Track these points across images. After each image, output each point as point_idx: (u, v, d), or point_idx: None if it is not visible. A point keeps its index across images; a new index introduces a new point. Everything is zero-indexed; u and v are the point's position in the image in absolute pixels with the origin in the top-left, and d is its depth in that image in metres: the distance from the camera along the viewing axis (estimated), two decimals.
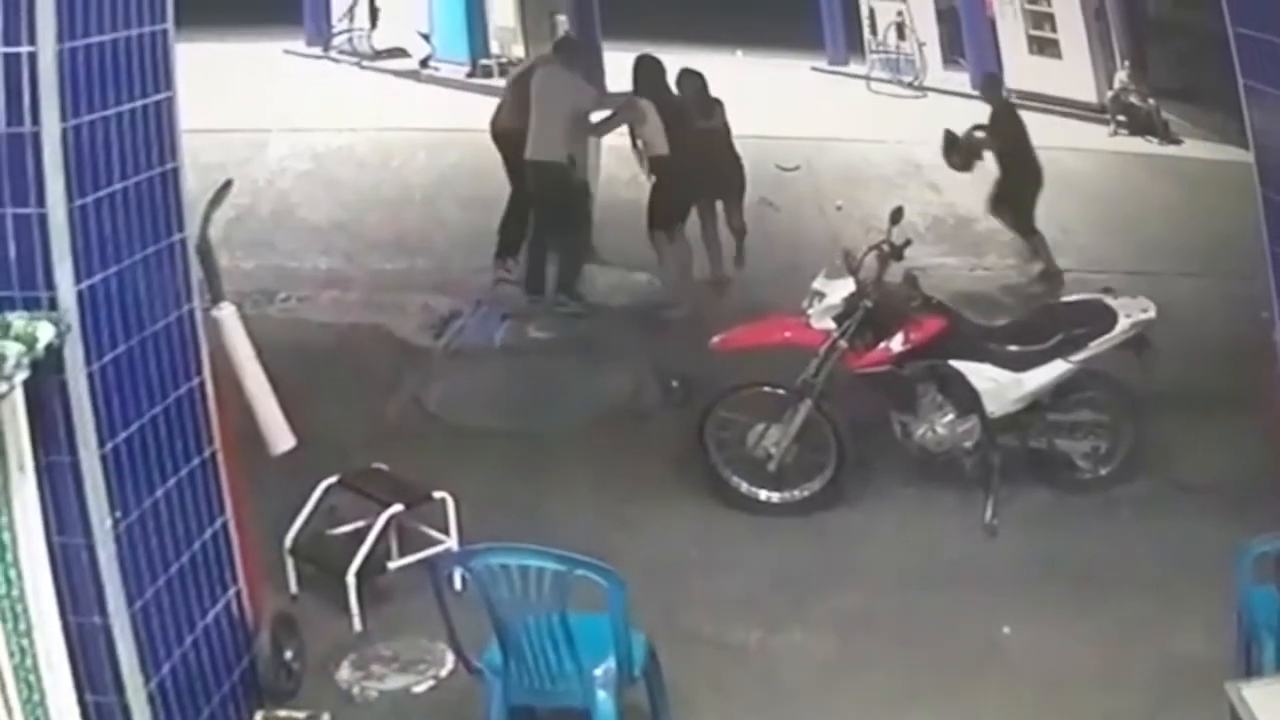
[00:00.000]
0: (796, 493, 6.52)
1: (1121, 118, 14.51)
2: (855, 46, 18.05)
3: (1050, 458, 6.60)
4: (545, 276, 9.29)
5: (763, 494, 6.54)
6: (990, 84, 10.87)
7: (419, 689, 5.10)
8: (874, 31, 17.61)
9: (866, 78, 17.41)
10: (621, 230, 9.79)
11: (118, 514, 3.92)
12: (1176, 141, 14.20)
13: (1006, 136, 9.76)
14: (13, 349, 3.50)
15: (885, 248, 6.72)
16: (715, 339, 6.67)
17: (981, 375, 6.48)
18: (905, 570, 5.90)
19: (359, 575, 5.43)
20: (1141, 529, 6.19)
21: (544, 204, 9.11)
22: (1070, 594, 5.64)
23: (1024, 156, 9.81)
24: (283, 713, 4.72)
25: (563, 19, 16.07)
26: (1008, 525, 6.26)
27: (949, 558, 6.03)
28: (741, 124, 12.32)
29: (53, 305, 3.69)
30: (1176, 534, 6.03)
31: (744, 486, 6.55)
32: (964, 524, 6.29)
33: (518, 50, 16.57)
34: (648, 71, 9.29)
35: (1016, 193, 9.79)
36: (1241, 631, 4.69)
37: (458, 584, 4.92)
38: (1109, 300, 6.67)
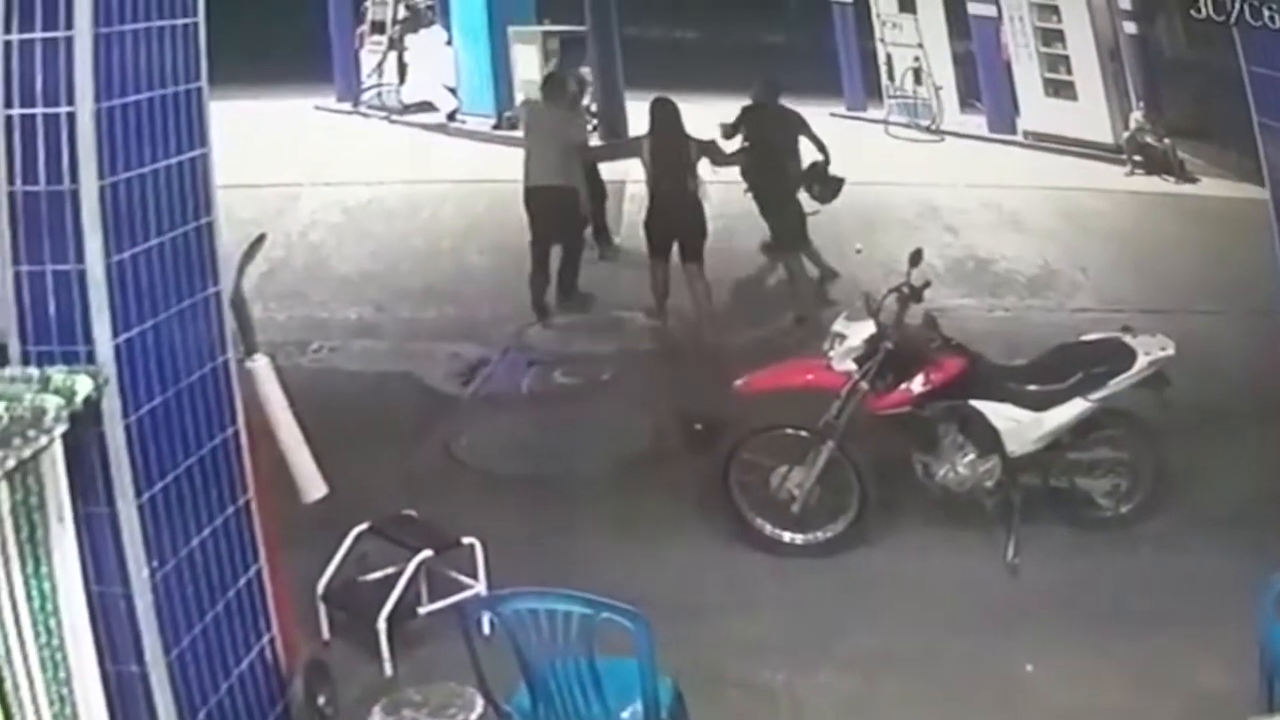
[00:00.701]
0: (820, 534, 6.57)
1: (1138, 157, 14.55)
2: (873, 92, 18.16)
3: (1071, 496, 6.62)
4: (546, 299, 10.09)
5: (786, 536, 6.58)
6: (765, 89, 10.59)
7: None
8: (891, 77, 17.73)
9: (884, 122, 17.52)
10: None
11: (154, 563, 3.99)
12: (1193, 180, 14.23)
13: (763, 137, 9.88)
14: (52, 402, 3.59)
15: (905, 290, 6.78)
16: (738, 382, 6.73)
17: (1002, 415, 6.53)
18: (929, 609, 5.93)
19: (390, 621, 5.49)
20: (1163, 566, 6.20)
21: (539, 221, 10.07)
22: (1092, 631, 5.65)
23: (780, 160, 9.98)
24: None
25: (586, 71, 16.32)
26: (1030, 564, 6.28)
27: (972, 597, 6.05)
28: None
29: (91, 359, 3.78)
30: (1198, 570, 6.03)
31: (768, 528, 6.59)
32: (986, 563, 6.32)
33: None
34: (661, 112, 9.74)
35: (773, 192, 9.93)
36: (1263, 667, 4.69)
37: (486, 629, 4.96)
38: (1128, 339, 6.71)
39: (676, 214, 9.58)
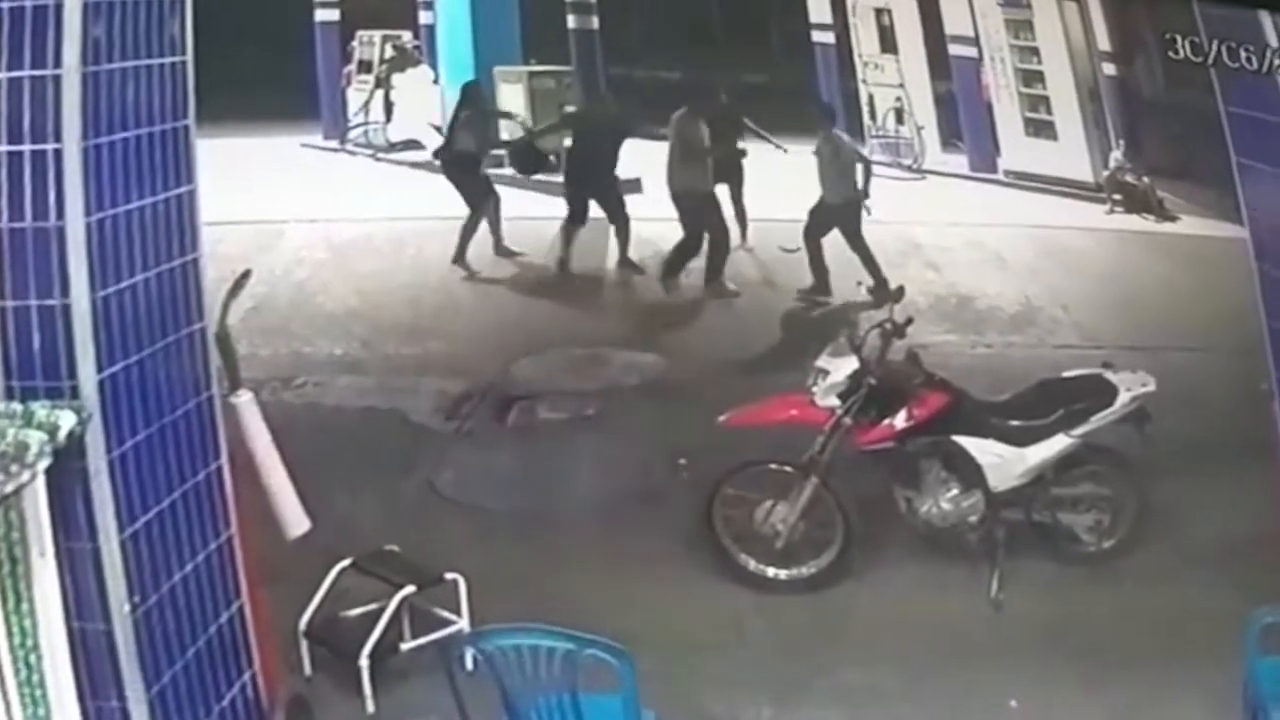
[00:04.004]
0: (804, 569, 6.57)
1: (1117, 196, 14.66)
2: (855, 131, 18.29)
3: (1054, 531, 6.65)
4: None
5: (770, 571, 6.59)
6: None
7: None
8: (873, 116, 17.87)
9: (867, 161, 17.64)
10: None
11: (136, 599, 3.99)
12: (1172, 219, 14.33)
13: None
14: (35, 438, 3.60)
15: (888, 326, 6.83)
16: (722, 417, 6.75)
17: (985, 450, 6.56)
18: (912, 644, 5.93)
19: (372, 657, 5.48)
20: (1146, 600, 6.22)
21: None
22: (1076, 666, 5.67)
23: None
24: None
25: (571, 110, 16.40)
26: (1013, 599, 6.30)
27: (955, 632, 6.05)
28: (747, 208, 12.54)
29: (75, 394, 3.78)
30: (1181, 605, 6.06)
31: (752, 564, 6.60)
32: (970, 598, 6.33)
33: None
34: None
35: None
36: (1248, 703, 4.71)
37: (469, 664, 4.95)
38: (1109, 375, 6.76)
39: None
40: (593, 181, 12.07)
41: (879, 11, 17.76)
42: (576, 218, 12.21)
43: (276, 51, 19.14)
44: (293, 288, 12.01)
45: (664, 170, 11.53)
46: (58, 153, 3.73)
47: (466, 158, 12.90)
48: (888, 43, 17.84)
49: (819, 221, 11.14)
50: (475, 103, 13.31)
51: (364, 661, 5.46)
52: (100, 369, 3.85)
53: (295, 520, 5.11)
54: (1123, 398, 6.60)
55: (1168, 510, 6.81)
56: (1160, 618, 6.00)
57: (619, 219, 12.10)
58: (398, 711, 5.42)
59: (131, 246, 4.01)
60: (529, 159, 13.30)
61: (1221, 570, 6.22)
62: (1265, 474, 6.20)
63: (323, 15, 19.63)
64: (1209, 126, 5.46)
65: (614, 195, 12.09)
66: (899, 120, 17.40)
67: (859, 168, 11.17)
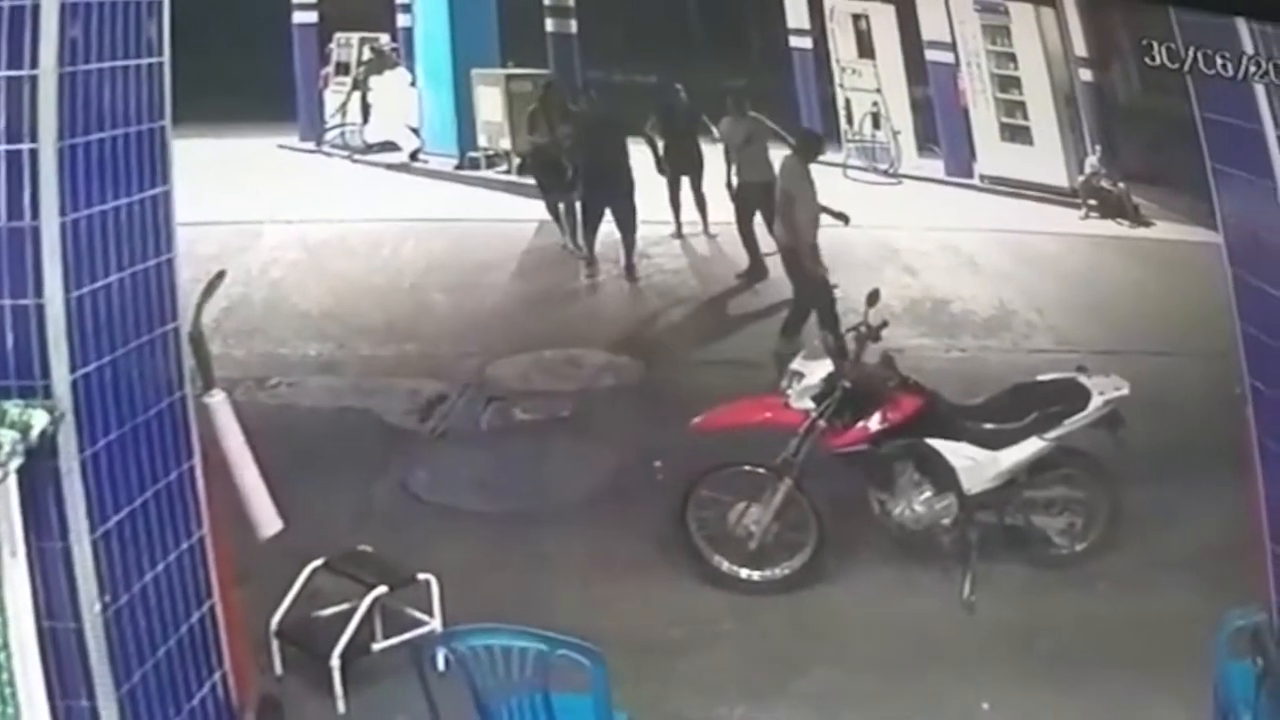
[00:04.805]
0: (777, 571, 6.59)
1: (1093, 201, 14.72)
2: (832, 135, 18.33)
3: (1027, 534, 6.69)
4: None
5: (744, 572, 6.60)
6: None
7: None
8: (850, 121, 17.90)
9: (843, 165, 17.68)
10: None
11: (107, 598, 3.98)
12: (1147, 224, 14.40)
13: None
14: (7, 436, 3.59)
15: (863, 329, 6.86)
16: (696, 419, 6.77)
17: (958, 453, 6.59)
18: (885, 646, 5.96)
19: (343, 657, 5.48)
20: (1118, 604, 6.27)
21: None
22: (1048, 669, 5.70)
23: None
24: None
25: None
26: (986, 601, 6.33)
27: (928, 634, 6.08)
28: (722, 212, 12.60)
29: (47, 394, 3.78)
30: (1153, 609, 6.10)
31: (725, 565, 6.62)
32: (942, 600, 6.36)
33: (505, 144, 16.88)
34: None
35: None
36: (1218, 706, 4.74)
37: (441, 664, 4.95)
38: (1083, 379, 6.80)
39: None
40: (606, 186, 12.11)
41: (857, 17, 17.82)
42: (592, 223, 12.35)
43: (254, 53, 19.07)
44: (268, 288, 11.97)
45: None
46: (33, 153, 3.72)
47: (542, 153, 13.26)
48: (865, 48, 17.91)
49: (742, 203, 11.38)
50: (554, 101, 13.63)
51: (335, 661, 5.46)
52: (73, 369, 3.85)
53: (268, 520, 5.11)
54: (1096, 401, 6.65)
55: (1140, 514, 6.84)
56: (1132, 620, 6.04)
57: (628, 228, 12.10)
58: (369, 712, 5.41)
59: (106, 247, 4.01)
60: (552, 173, 13.24)
61: (1193, 574, 6.26)
62: (1238, 478, 6.23)
63: (300, 17, 19.56)
64: (1185, 132, 5.49)
65: (628, 204, 12.08)
66: (876, 125, 17.44)
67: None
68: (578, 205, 12.64)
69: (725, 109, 12.50)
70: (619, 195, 12.09)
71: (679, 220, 12.83)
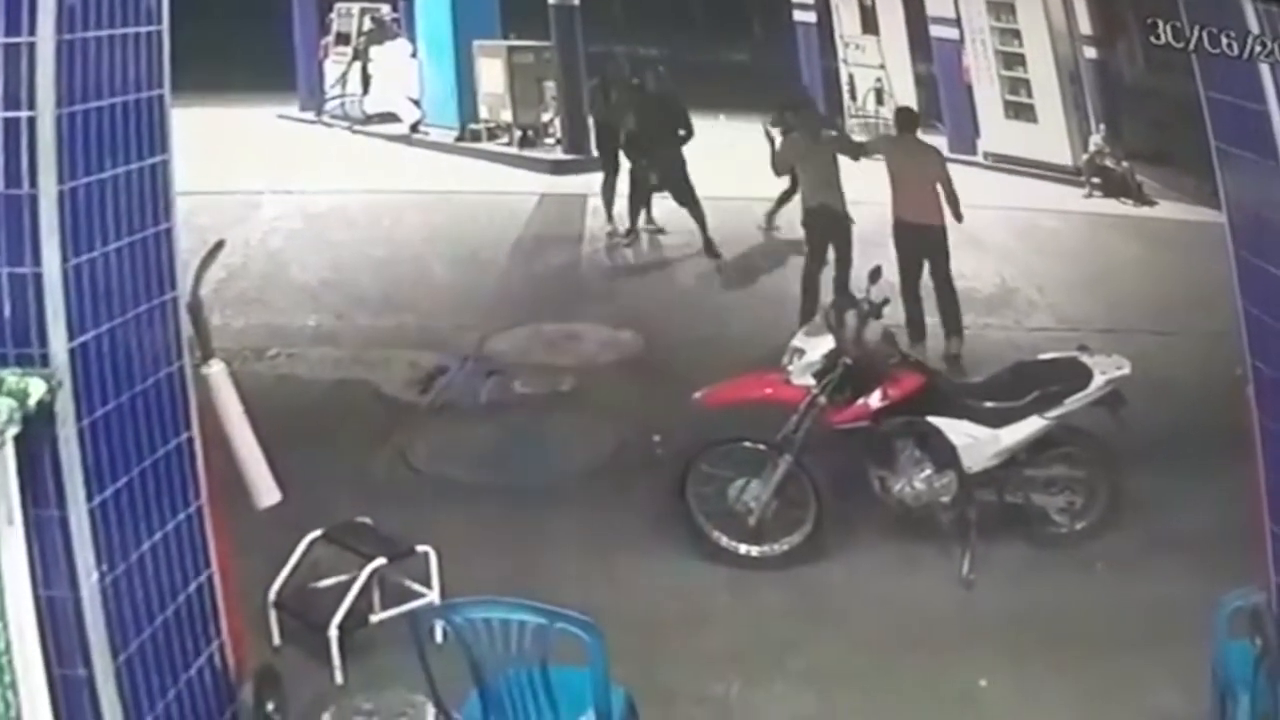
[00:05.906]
0: (776, 547, 6.59)
1: (1096, 180, 14.71)
2: (835, 111, 18.31)
3: (1027, 513, 6.68)
4: None
5: (743, 548, 6.60)
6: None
7: None
8: (854, 97, 17.89)
9: None
10: None
11: (104, 567, 3.97)
12: (1150, 203, 14.40)
13: None
14: (4, 405, 3.57)
15: (864, 306, 6.84)
16: (697, 394, 6.76)
17: (959, 431, 6.58)
18: (883, 623, 5.96)
19: (341, 628, 5.48)
20: (1117, 583, 6.26)
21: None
22: (1047, 647, 5.70)
23: None
24: None
25: (550, 85, 16.35)
26: (985, 579, 6.33)
27: (926, 611, 6.08)
28: (726, 186, 12.58)
29: (45, 362, 3.76)
30: (1152, 588, 6.09)
31: (724, 540, 6.61)
32: (941, 578, 6.36)
33: (506, 116, 16.82)
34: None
35: None
36: (1217, 686, 4.74)
37: (439, 637, 4.95)
38: (1084, 358, 6.78)
39: None
40: (660, 166, 12.04)
41: None
42: (640, 198, 12.48)
43: (254, 22, 19.03)
44: (267, 259, 11.97)
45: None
46: (31, 120, 3.68)
47: (605, 127, 13.35)
48: (869, 23, 17.84)
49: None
50: (616, 77, 13.55)
51: (333, 632, 5.46)
52: (71, 337, 3.82)
53: (266, 491, 5.08)
54: (1097, 380, 6.63)
55: (1140, 493, 6.84)
56: (1131, 600, 6.04)
57: (693, 204, 12.10)
58: (366, 682, 5.41)
59: (104, 215, 3.98)
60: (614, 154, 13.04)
61: (1192, 553, 6.25)
62: (1238, 458, 6.22)
63: None
64: (1189, 111, 5.47)
65: (685, 183, 12.06)
66: (879, 101, 17.41)
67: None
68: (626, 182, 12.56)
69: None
70: (673, 173, 11.97)
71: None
